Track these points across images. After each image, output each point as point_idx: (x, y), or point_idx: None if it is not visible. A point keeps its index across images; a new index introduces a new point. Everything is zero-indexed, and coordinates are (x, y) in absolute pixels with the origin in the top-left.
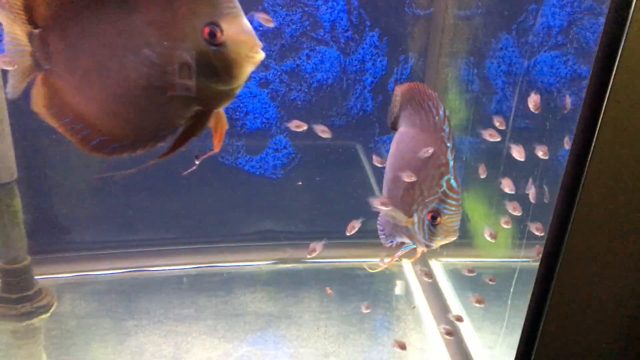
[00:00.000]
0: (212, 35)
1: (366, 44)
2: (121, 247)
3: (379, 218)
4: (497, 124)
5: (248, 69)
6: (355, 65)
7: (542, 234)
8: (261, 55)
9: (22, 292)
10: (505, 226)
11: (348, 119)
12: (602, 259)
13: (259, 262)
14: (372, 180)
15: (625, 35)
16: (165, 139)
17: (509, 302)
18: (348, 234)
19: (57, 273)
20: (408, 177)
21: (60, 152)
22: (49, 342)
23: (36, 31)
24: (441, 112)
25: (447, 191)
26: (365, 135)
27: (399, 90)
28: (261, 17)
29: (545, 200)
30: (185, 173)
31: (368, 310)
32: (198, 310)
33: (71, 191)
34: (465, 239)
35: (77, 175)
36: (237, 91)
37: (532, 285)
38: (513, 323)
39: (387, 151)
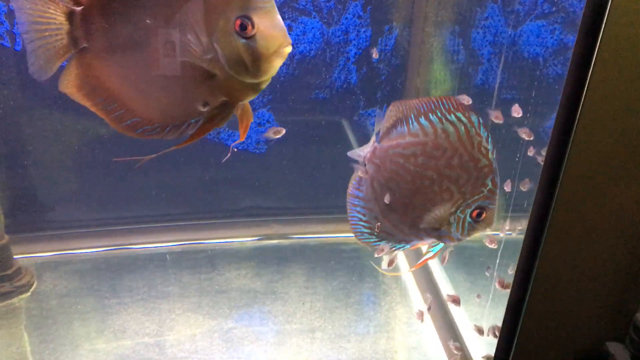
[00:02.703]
0: (243, 28)
1: (349, 13)
2: (103, 224)
3: (367, 227)
4: (494, 118)
5: (276, 63)
6: (339, 36)
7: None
8: (289, 50)
9: (1, 271)
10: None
11: (332, 92)
12: (587, 230)
13: (243, 239)
14: None
15: (609, 4)
16: (193, 126)
17: (495, 274)
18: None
19: (37, 252)
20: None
21: (39, 129)
22: (30, 322)
23: (78, 9)
24: (474, 119)
25: (493, 188)
26: (349, 108)
27: (400, 106)
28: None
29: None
30: (224, 160)
31: (421, 319)
32: (182, 288)
33: (51, 167)
34: None
35: (56, 151)
36: (264, 86)
37: (517, 257)
38: (499, 295)
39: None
